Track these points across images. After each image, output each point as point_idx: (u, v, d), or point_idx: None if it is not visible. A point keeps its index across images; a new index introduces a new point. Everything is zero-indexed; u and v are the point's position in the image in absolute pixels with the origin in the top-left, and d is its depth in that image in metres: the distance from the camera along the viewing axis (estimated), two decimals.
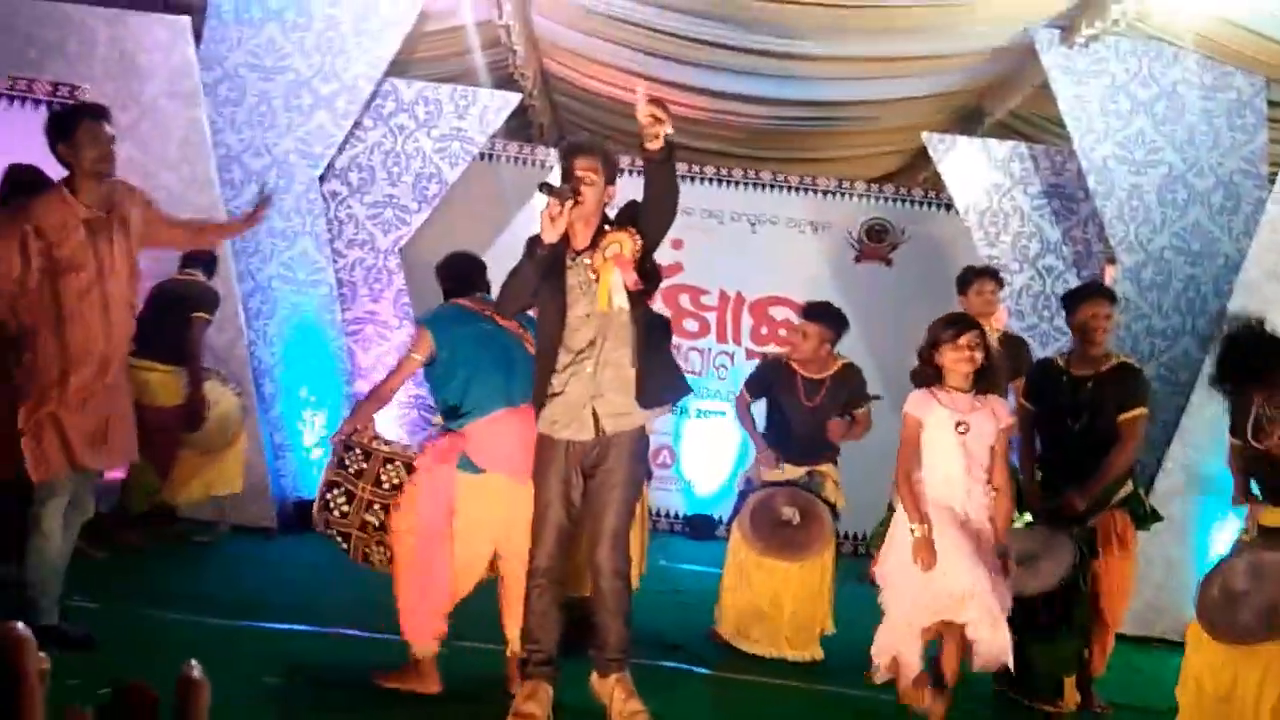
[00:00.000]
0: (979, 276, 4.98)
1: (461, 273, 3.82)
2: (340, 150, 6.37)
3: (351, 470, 3.54)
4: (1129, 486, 4.03)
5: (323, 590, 4.54)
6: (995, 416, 3.43)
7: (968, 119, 7.49)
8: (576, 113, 8.43)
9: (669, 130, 2.95)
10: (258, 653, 3.73)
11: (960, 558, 3.30)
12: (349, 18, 6.07)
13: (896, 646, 3.47)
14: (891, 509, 3.88)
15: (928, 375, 3.50)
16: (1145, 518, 4.08)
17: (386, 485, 3.54)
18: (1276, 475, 3.23)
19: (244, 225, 4.04)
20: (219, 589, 4.65)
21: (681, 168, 7.44)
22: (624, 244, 3.17)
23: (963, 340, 3.41)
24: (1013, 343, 4.91)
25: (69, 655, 3.22)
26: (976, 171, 6.58)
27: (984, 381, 3.46)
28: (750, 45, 6.25)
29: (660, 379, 3.30)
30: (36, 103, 5.78)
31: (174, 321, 5.18)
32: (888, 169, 8.75)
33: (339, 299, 6.37)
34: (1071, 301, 4.14)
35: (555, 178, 3.35)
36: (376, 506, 3.53)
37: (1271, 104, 5.90)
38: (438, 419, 3.85)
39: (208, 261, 5.49)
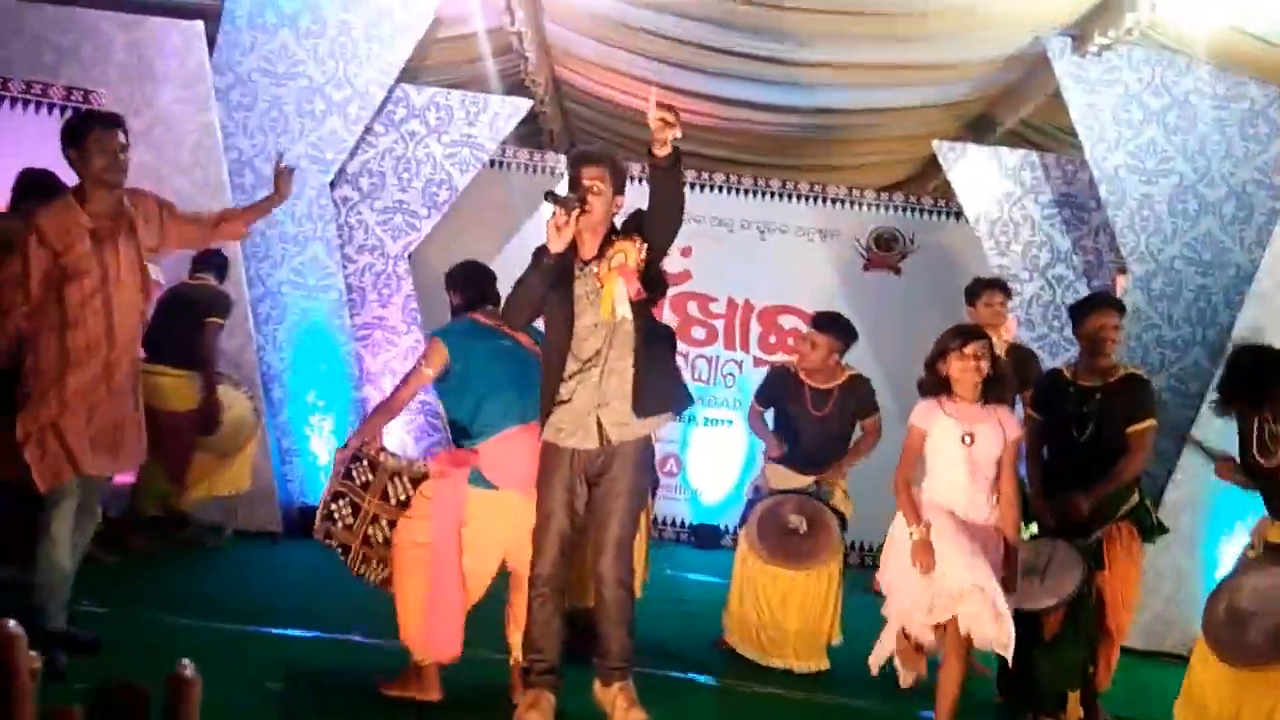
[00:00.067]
0: (987, 288, 4.98)
1: (472, 283, 3.78)
2: (351, 156, 6.40)
3: (358, 482, 3.51)
4: (1135, 498, 4.00)
5: (327, 596, 4.55)
6: (1002, 428, 3.42)
7: (979, 127, 7.47)
8: (587, 120, 8.44)
9: (678, 135, 2.95)
10: (261, 657, 3.74)
11: (959, 555, 3.27)
12: (362, 24, 6.10)
13: (899, 644, 3.46)
14: None
15: (935, 385, 3.49)
16: (1152, 530, 4.05)
17: (393, 500, 3.51)
18: None
19: (269, 205, 3.91)
20: (224, 593, 4.66)
21: (691, 175, 7.48)
22: (629, 253, 3.17)
23: (969, 350, 3.40)
24: (1021, 354, 4.89)
25: (77, 659, 3.25)
26: (987, 180, 6.57)
27: (992, 392, 3.45)
28: (761, 53, 6.25)
29: (658, 388, 3.29)
30: (51, 107, 5.82)
31: (186, 326, 5.21)
32: (897, 177, 8.74)
33: (348, 304, 6.39)
34: (1079, 312, 4.13)
35: (564, 186, 3.35)
36: (383, 521, 3.50)
37: None
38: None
39: (219, 266, 5.52)
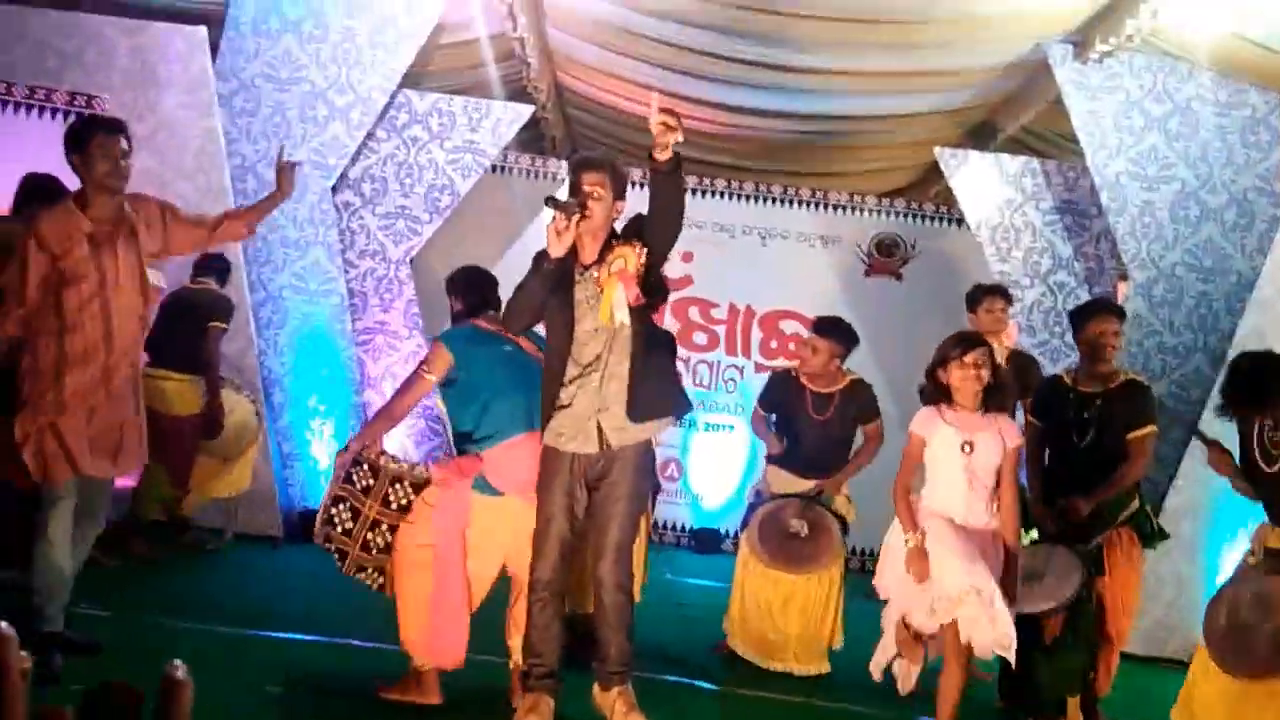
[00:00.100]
0: (988, 294, 4.97)
1: (474, 288, 3.78)
2: (354, 161, 6.41)
3: (359, 486, 3.49)
4: (1135, 504, 4.00)
5: (327, 600, 4.55)
6: (1002, 437, 3.41)
7: (980, 134, 7.48)
8: (589, 126, 8.46)
9: (680, 139, 2.95)
10: (261, 661, 3.74)
11: (956, 559, 3.26)
12: (365, 30, 6.12)
13: (899, 634, 3.46)
14: None
15: (935, 393, 3.49)
16: (1152, 535, 4.05)
17: (394, 505, 3.50)
18: None
19: (272, 203, 3.85)
20: (225, 597, 4.66)
21: (693, 181, 7.49)
22: (629, 258, 3.17)
23: (969, 358, 3.40)
24: (1022, 360, 4.89)
25: (74, 661, 3.26)
26: (988, 186, 6.57)
27: (992, 401, 3.45)
28: (762, 59, 6.27)
29: (654, 393, 3.29)
30: (54, 112, 5.84)
31: (188, 331, 5.22)
32: (899, 183, 8.75)
33: (350, 309, 6.41)
34: (1079, 318, 4.12)
35: (565, 192, 3.36)
36: (384, 526, 3.49)
37: None
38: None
39: (221, 270, 5.53)
